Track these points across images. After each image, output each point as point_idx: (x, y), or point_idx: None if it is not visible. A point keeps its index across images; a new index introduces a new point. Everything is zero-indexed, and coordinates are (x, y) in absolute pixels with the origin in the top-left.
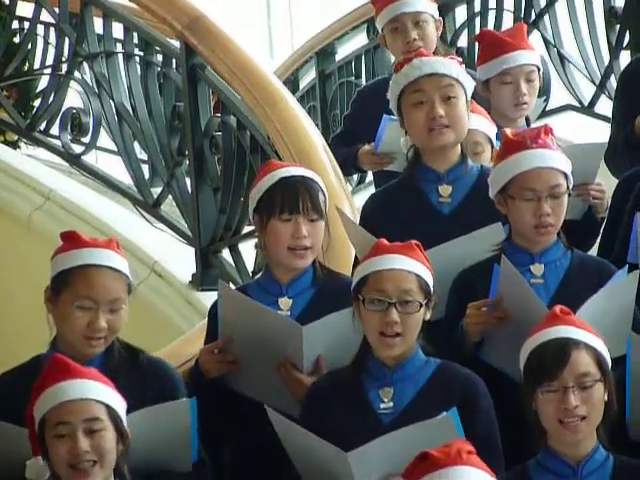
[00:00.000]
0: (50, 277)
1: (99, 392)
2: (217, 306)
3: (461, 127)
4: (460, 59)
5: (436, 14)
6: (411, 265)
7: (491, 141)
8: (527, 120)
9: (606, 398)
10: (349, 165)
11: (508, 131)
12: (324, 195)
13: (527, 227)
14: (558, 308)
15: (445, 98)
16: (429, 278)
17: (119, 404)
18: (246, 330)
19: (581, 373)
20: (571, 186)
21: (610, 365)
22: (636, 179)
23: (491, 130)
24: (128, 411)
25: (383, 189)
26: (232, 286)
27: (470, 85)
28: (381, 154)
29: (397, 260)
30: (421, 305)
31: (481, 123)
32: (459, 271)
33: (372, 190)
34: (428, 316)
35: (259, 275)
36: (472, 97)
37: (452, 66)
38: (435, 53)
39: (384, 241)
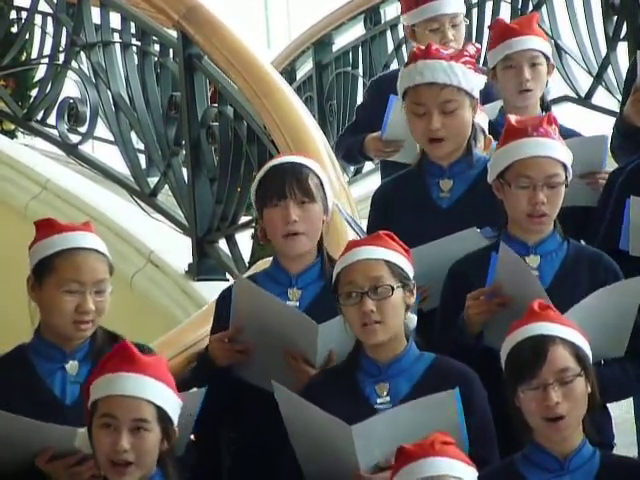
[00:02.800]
0: (31, 266)
1: (153, 391)
2: (225, 295)
3: (460, 137)
4: (472, 50)
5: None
6: (378, 253)
7: (484, 131)
8: (545, 105)
9: (589, 390)
10: (355, 152)
11: (512, 117)
12: (318, 178)
13: (521, 215)
14: (536, 304)
15: (444, 111)
16: (402, 262)
17: (172, 404)
18: (259, 322)
19: (560, 369)
20: (570, 178)
21: (591, 358)
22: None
23: (483, 120)
24: None
25: (394, 178)
26: (229, 277)
27: (476, 85)
28: (387, 141)
29: (363, 251)
30: (393, 289)
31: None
32: (440, 271)
33: (369, 181)
34: (412, 301)
35: (267, 266)
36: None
37: (455, 71)
38: None
39: (353, 240)
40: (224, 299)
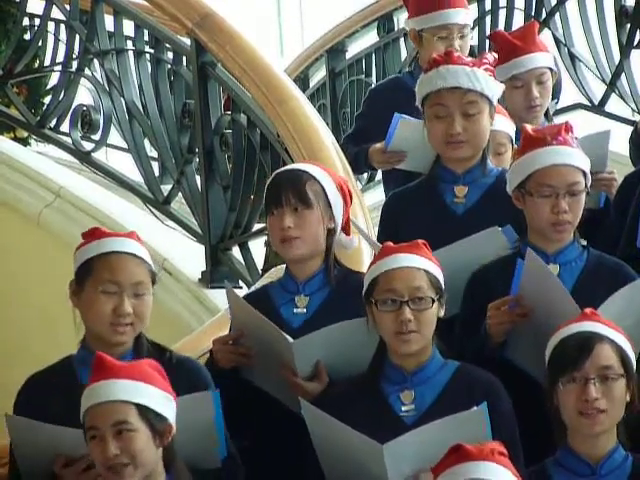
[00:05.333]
0: (74, 272)
1: (129, 392)
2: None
3: (479, 142)
4: (491, 59)
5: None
6: (419, 262)
7: (512, 140)
8: (547, 115)
9: (628, 398)
10: (360, 163)
11: (529, 127)
12: (320, 185)
13: (544, 224)
14: (589, 310)
15: (466, 114)
16: (439, 274)
17: (154, 399)
18: (252, 329)
19: (603, 366)
20: (589, 184)
21: (635, 366)
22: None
23: (512, 129)
24: None
25: (404, 188)
26: (242, 284)
27: (496, 93)
28: (391, 152)
29: (404, 258)
30: (433, 301)
31: (504, 124)
32: (461, 274)
33: (381, 189)
34: (442, 313)
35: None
36: None
37: (478, 77)
38: None
39: (390, 243)
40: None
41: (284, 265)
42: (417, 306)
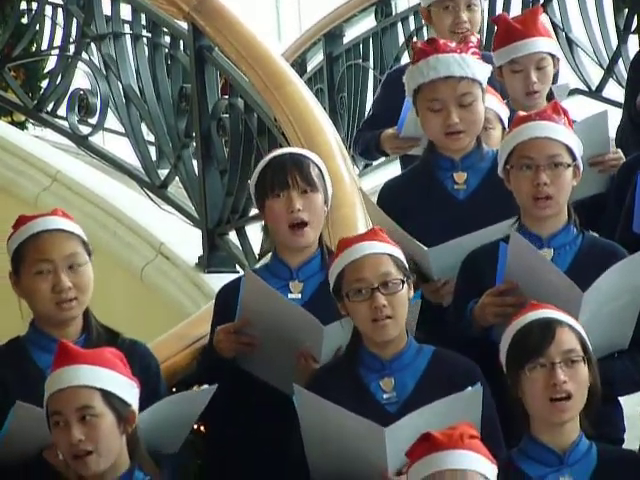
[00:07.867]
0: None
1: (93, 377)
2: (225, 291)
3: (477, 129)
4: (476, 39)
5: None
6: (381, 247)
7: (502, 121)
8: (551, 99)
9: (590, 381)
10: (372, 149)
11: (522, 112)
12: (319, 169)
13: (526, 198)
14: (536, 301)
15: (462, 105)
16: (401, 256)
17: (119, 385)
18: (265, 317)
19: (567, 349)
20: (579, 163)
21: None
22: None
23: (502, 110)
24: None
25: (399, 175)
26: (239, 269)
27: (486, 75)
28: (404, 138)
29: (367, 246)
30: (403, 282)
31: (492, 102)
32: None
33: (379, 174)
34: (412, 294)
35: (267, 260)
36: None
37: (468, 63)
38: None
39: (346, 237)
40: (225, 293)
41: None
42: (388, 290)
